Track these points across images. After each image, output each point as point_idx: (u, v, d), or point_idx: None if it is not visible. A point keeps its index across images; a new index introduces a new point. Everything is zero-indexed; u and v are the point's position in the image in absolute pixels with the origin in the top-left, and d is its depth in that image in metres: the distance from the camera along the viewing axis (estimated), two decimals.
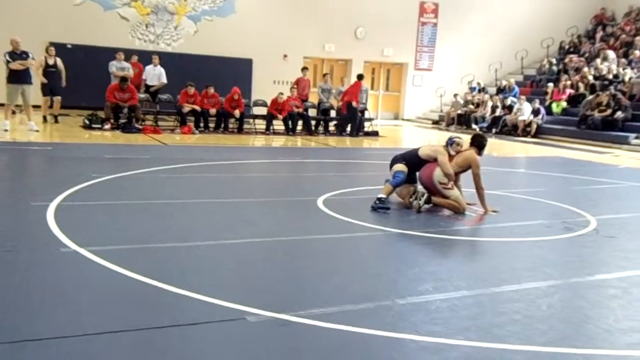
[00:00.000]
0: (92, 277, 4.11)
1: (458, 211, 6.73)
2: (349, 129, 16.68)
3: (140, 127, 14.17)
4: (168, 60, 17.27)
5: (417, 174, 7.07)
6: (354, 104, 16.23)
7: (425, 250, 5.37)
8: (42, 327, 3.25)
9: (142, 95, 15.45)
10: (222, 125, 15.48)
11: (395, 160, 7.18)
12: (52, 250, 4.61)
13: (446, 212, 6.83)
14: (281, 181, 9.10)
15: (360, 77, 17.06)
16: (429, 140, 17.20)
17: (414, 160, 7.05)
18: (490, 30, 24.00)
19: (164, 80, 15.91)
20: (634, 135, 16.54)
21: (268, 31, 20.57)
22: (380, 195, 6.78)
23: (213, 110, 15.26)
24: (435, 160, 6.88)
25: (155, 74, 15.96)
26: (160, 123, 15.39)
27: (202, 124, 15.22)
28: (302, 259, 4.94)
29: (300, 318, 3.53)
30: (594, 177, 10.55)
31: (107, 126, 14.01)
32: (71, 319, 3.39)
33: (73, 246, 4.67)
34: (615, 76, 19.31)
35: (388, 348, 3.28)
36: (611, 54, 21.15)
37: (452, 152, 7.00)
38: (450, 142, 7.07)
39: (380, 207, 6.66)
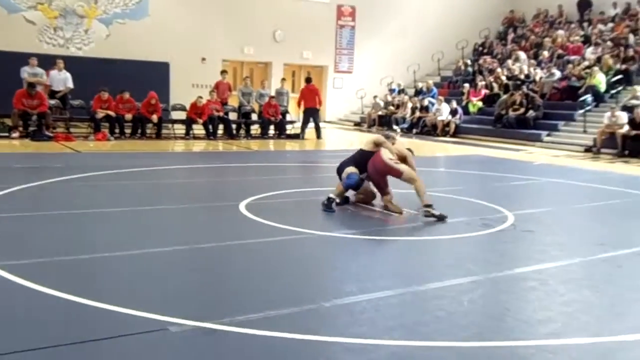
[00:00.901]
0: None
1: (397, 211, 6.82)
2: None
3: (51, 134, 13.58)
4: (79, 65, 16.53)
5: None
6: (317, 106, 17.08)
7: (349, 252, 5.35)
8: None
9: (52, 102, 14.79)
10: (139, 130, 15.06)
11: (343, 165, 7.18)
12: None
13: (370, 213, 6.85)
14: (202, 187, 8.90)
15: (308, 80, 17.58)
16: (351, 142, 17.36)
17: (361, 160, 7.11)
18: (406, 32, 24.48)
19: (70, 85, 15.25)
20: (545, 132, 17.26)
21: (185, 34, 20.17)
22: (330, 195, 6.77)
23: (129, 116, 14.82)
24: (377, 148, 7.06)
25: (61, 79, 15.26)
26: (72, 130, 14.83)
27: (117, 130, 14.76)
28: (224, 266, 4.82)
29: (224, 326, 3.43)
30: (510, 174, 10.90)
31: (15, 134, 13.36)
32: None
33: None
34: (527, 76, 20.11)
35: (314, 352, 3.24)
36: (522, 54, 22.02)
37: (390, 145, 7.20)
38: (387, 137, 7.32)
39: (327, 207, 6.68)
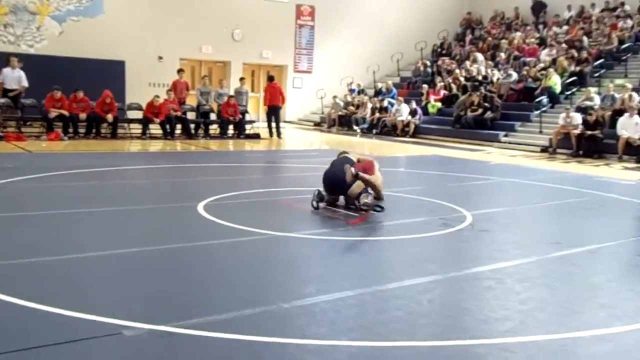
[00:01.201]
0: None
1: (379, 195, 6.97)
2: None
3: (2, 134, 13.21)
4: (31, 63, 16.11)
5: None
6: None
7: (309, 252, 5.31)
8: None
9: (2, 100, 14.37)
10: (94, 130, 14.76)
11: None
12: None
13: (331, 213, 6.82)
14: (159, 187, 8.75)
15: (271, 78, 17.83)
16: (311, 142, 17.36)
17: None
18: (366, 33, 24.61)
19: (25, 83, 14.85)
20: (503, 133, 17.55)
21: (141, 32, 19.85)
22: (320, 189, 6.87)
23: (83, 115, 14.52)
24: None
25: (15, 77, 14.86)
26: (24, 129, 14.44)
27: (71, 130, 14.41)
28: (181, 268, 4.72)
29: (181, 329, 3.36)
30: (469, 174, 11.02)
31: None
32: None
33: None
34: (485, 77, 20.42)
35: (273, 354, 3.19)
36: (480, 56, 22.36)
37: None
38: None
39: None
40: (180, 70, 17.71)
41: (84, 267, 4.54)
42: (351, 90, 23.25)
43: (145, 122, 15.36)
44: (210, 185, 8.61)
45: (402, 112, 19.55)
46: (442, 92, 20.62)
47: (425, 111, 20.17)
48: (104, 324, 3.39)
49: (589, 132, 14.72)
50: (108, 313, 3.51)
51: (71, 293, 3.93)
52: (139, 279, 4.37)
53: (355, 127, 20.58)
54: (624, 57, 18.91)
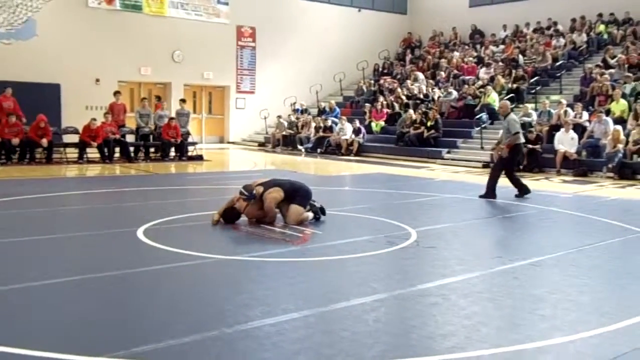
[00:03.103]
0: None
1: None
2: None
3: None
4: None
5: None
6: None
7: (252, 275, 5.20)
8: None
9: None
10: (28, 155, 14.26)
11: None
12: None
13: (273, 234, 6.74)
14: (97, 213, 8.47)
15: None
16: (255, 163, 17.24)
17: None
18: (307, 54, 24.76)
19: None
20: (445, 150, 17.84)
21: (77, 54, 19.36)
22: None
23: (16, 140, 14.02)
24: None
25: None
26: None
27: (3, 156, 13.88)
28: (120, 296, 4.57)
29: (122, 359, 3.26)
30: (413, 191, 11.11)
31: None
32: None
33: None
34: (426, 95, 20.77)
35: None
36: (420, 75, 22.78)
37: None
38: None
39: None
40: (116, 93, 17.34)
41: (22, 298, 4.36)
42: (295, 110, 23.27)
43: (82, 145, 14.97)
44: (150, 210, 8.39)
45: (346, 131, 19.67)
46: (385, 111, 20.86)
47: (369, 130, 20.36)
48: (39, 358, 3.27)
49: (530, 146, 15.10)
50: (43, 346, 3.39)
51: (9, 326, 3.79)
52: (78, 308, 4.22)
53: (299, 147, 20.58)
54: (559, 74, 19.58)
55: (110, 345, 3.47)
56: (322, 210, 7.54)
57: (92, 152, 15.07)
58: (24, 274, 4.93)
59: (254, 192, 7.14)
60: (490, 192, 9.93)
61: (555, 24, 22.92)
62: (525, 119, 16.61)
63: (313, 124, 21.07)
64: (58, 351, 3.33)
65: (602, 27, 21.67)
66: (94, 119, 15.23)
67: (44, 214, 7.97)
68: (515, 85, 19.11)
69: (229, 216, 7.22)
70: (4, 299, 4.32)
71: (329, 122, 20.76)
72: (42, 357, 3.27)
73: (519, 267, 5.55)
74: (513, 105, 18.22)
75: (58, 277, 4.86)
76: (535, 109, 17.33)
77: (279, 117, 22.31)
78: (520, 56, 21.33)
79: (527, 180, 11.85)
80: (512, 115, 10.62)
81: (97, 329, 3.81)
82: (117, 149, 15.64)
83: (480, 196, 9.97)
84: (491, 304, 4.51)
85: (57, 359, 3.25)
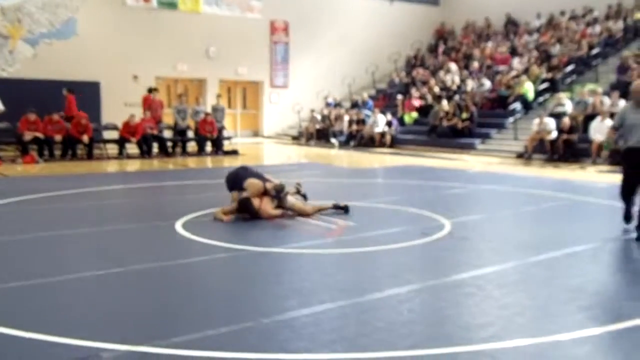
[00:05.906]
0: None
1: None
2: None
3: None
4: (4, 86, 15.99)
5: None
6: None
7: (288, 266, 5.29)
8: None
9: None
10: (70, 152, 14.61)
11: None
12: None
13: (308, 225, 6.82)
14: (137, 207, 8.68)
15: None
16: (289, 156, 17.36)
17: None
18: (340, 47, 24.76)
19: (1, 107, 14.69)
20: (479, 141, 17.71)
21: (115, 52, 19.77)
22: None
23: (58, 137, 14.38)
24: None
25: None
26: None
27: (46, 152, 14.26)
28: (160, 287, 4.69)
29: (160, 348, 3.35)
30: (447, 182, 11.08)
31: None
32: None
33: None
34: (459, 87, 20.61)
35: None
36: (453, 66, 22.58)
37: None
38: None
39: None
40: (154, 89, 17.63)
41: (63, 290, 4.49)
42: (328, 104, 23.33)
43: (121, 141, 15.28)
44: (188, 203, 8.56)
45: (379, 123, 19.65)
46: (417, 103, 20.76)
47: (401, 122, 20.30)
48: (80, 347, 3.36)
49: (565, 136, 14.89)
50: (87, 335, 3.49)
51: (50, 316, 3.89)
52: (118, 299, 4.34)
53: (332, 140, 20.64)
54: (594, 63, 19.21)
55: (149, 335, 3.56)
56: (346, 209, 7.58)
57: (132, 148, 15.36)
58: (68, 267, 5.09)
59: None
60: None
61: (590, 11, 22.46)
62: (560, 108, 16.38)
63: (346, 117, 21.11)
64: (99, 340, 3.43)
65: (638, 15, 21.16)
66: (133, 115, 15.54)
67: (87, 208, 8.18)
68: (550, 75, 18.81)
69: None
70: (48, 290, 4.47)
71: (362, 115, 20.76)
72: (83, 346, 3.37)
73: (554, 258, 5.53)
74: (548, 95, 18.06)
75: (100, 270, 5.00)
76: (571, 99, 17.04)
77: (312, 110, 22.40)
78: (557, 45, 20.97)
79: (562, 171, 11.77)
80: None
81: (137, 319, 3.92)
82: (156, 145, 15.92)
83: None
84: (526, 295, 4.51)
85: (99, 347, 3.34)
